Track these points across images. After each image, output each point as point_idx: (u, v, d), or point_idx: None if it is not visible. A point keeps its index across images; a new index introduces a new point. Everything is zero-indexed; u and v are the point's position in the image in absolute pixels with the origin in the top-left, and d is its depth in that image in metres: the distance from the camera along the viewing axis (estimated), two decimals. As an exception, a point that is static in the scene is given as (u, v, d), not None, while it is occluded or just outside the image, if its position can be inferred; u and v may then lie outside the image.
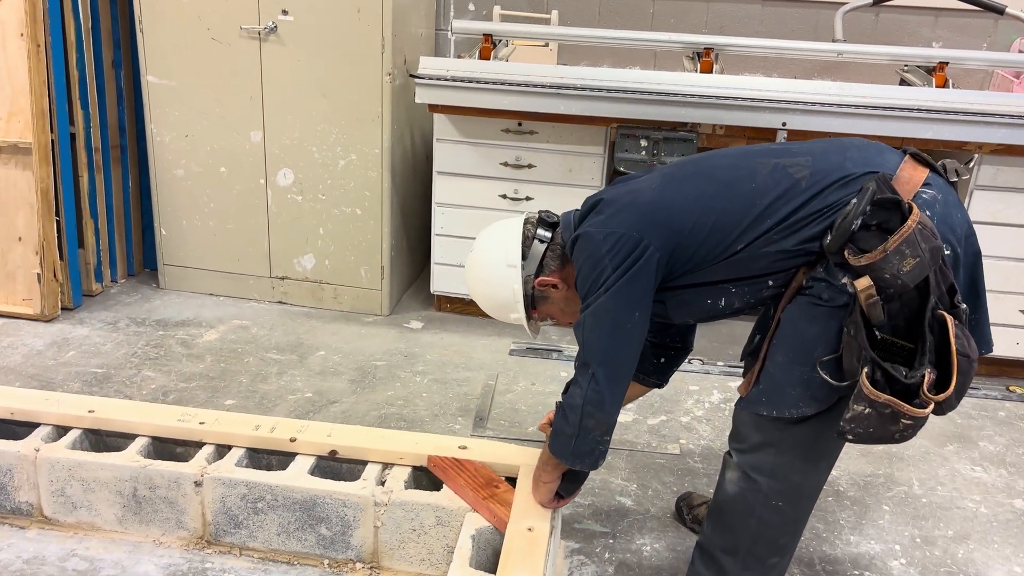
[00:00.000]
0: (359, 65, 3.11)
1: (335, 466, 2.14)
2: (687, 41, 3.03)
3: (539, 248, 1.86)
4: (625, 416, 2.79)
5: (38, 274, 3.18)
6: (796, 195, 1.63)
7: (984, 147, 2.77)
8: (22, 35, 3.02)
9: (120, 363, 2.97)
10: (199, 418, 2.17)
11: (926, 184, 1.63)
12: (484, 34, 3.05)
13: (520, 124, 3.10)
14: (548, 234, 1.88)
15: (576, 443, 1.75)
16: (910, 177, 1.63)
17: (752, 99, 2.78)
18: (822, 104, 2.75)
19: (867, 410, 1.52)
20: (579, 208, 1.86)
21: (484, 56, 3.04)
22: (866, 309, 1.53)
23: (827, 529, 2.29)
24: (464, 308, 3.49)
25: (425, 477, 2.11)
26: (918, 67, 3.07)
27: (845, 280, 1.57)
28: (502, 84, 2.91)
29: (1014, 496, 2.47)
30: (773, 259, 1.64)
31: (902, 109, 2.71)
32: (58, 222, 3.21)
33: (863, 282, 1.52)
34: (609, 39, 3.19)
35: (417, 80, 2.96)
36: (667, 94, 2.83)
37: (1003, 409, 2.95)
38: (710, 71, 2.93)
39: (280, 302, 3.51)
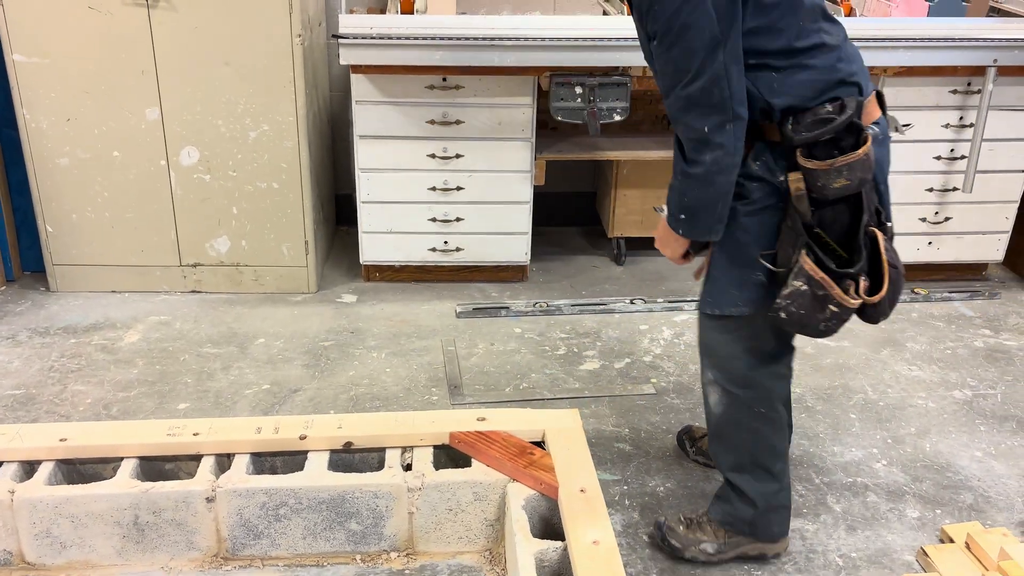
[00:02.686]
0: (265, 28, 2.88)
1: (347, 458, 2.04)
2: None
3: None
4: (592, 364, 2.84)
5: (-87, 293, 2.77)
6: (824, 56, 1.72)
7: (888, 70, 2.97)
8: None
9: (39, 381, 2.66)
10: (191, 429, 1.99)
11: (876, 122, 1.80)
12: (405, -13, 2.90)
13: (445, 79, 2.99)
14: None
15: (706, 215, 1.78)
16: (871, 112, 1.79)
17: (681, 39, 2.82)
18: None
19: (804, 287, 1.70)
20: None
21: (406, 9, 2.90)
22: (794, 200, 1.72)
23: (811, 444, 2.45)
24: (395, 275, 3.38)
25: (444, 455, 2.05)
26: (818, -2, 3.23)
27: (783, 177, 1.73)
28: (430, 39, 2.79)
29: (951, 388, 2.74)
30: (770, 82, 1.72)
31: (820, 40, 2.85)
32: (-73, 231, 2.80)
33: (795, 175, 1.71)
34: None
35: (341, 40, 2.78)
36: (599, 39, 2.82)
37: (914, 311, 3.24)
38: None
39: (195, 291, 3.25)
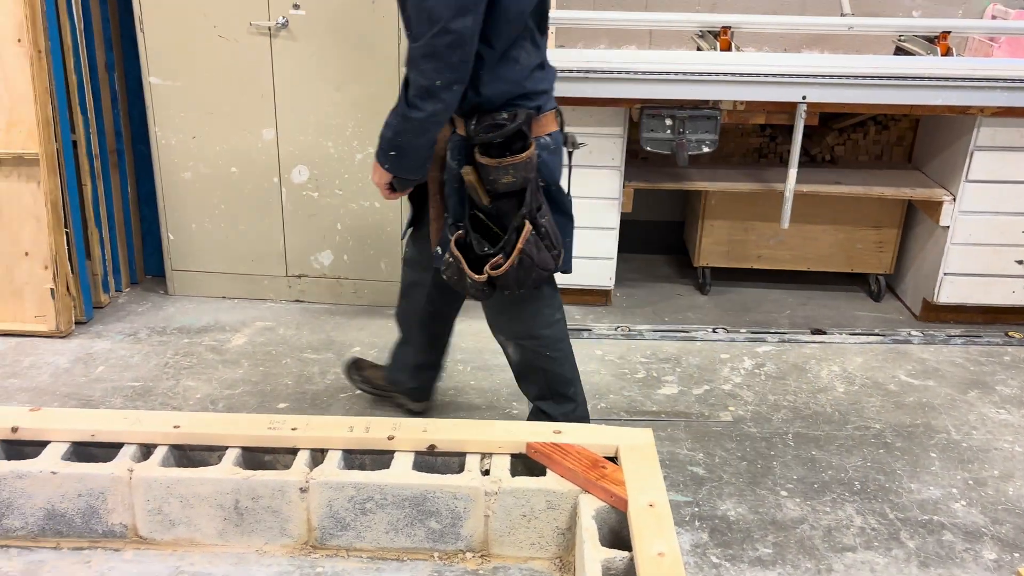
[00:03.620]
0: (374, 57, 3.09)
1: (430, 460, 2.16)
2: (704, 21, 3.11)
3: None
4: (670, 389, 2.90)
5: (51, 289, 3.06)
6: (516, 71, 2.01)
7: (986, 110, 2.95)
8: (20, 41, 2.88)
9: (155, 375, 2.90)
10: (290, 424, 2.16)
11: (549, 134, 2.11)
12: (505, 21, 3.06)
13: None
14: None
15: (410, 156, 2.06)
16: (545, 125, 2.10)
17: (773, 75, 2.89)
18: (840, 76, 2.87)
19: (451, 258, 2.09)
20: None
21: (507, 43, 3.05)
22: (468, 189, 2.02)
23: (888, 480, 2.45)
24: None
25: (520, 463, 2.16)
26: (916, 36, 3.24)
27: (460, 169, 2.03)
28: (528, 71, 2.93)
29: (1041, 433, 2.69)
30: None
31: (914, 78, 2.86)
32: (67, 234, 3.09)
33: (469, 170, 2.00)
34: (638, 22, 3.27)
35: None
36: (690, 73, 2.91)
37: (1007, 354, 3.17)
38: (728, 49, 3.02)
39: (297, 300, 3.46)
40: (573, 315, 3.41)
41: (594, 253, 3.36)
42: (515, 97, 2.02)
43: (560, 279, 3.45)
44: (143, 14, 3.07)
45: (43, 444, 2.13)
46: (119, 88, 3.35)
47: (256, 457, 2.17)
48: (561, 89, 2.96)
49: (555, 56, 3.00)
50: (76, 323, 3.19)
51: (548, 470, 2.09)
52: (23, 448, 2.15)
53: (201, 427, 2.15)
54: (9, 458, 2.11)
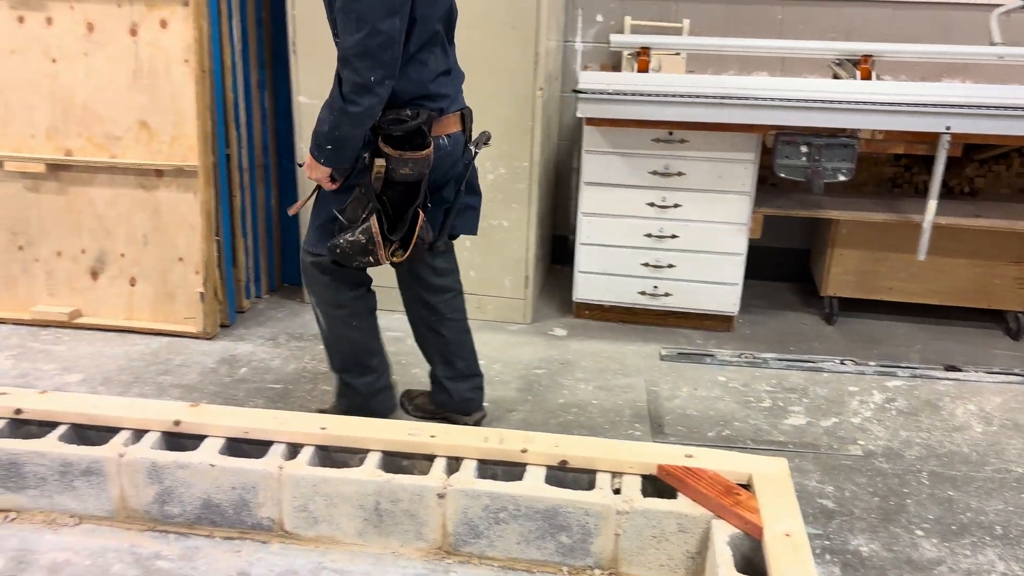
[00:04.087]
0: (512, 81, 3.18)
1: (561, 475, 2.21)
2: (844, 49, 3.08)
3: None
4: (797, 419, 2.86)
5: (201, 293, 3.26)
6: (422, 73, 2.20)
7: None
8: (187, 61, 3.10)
9: (294, 379, 3.05)
10: (428, 432, 2.24)
11: (449, 135, 2.30)
12: (642, 47, 3.11)
13: (671, 133, 3.16)
14: None
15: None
16: (447, 126, 2.29)
17: (915, 104, 2.83)
18: (988, 107, 2.79)
19: (362, 239, 2.23)
20: None
21: (642, 68, 3.11)
22: (373, 180, 2.20)
23: None
24: (603, 315, 3.56)
25: (650, 485, 2.18)
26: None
27: (366, 156, 2.20)
28: (663, 96, 2.97)
29: None
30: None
31: (1069, 110, 2.76)
32: (217, 242, 3.30)
33: (380, 161, 2.18)
34: (778, 49, 3.27)
35: (580, 95, 3.02)
36: (829, 101, 2.88)
37: None
38: (869, 77, 2.98)
39: (423, 313, 3.58)
40: (695, 340, 3.41)
41: (718, 278, 3.35)
42: (419, 97, 2.22)
43: (681, 302, 3.47)
44: (296, 37, 3.26)
45: (200, 438, 2.28)
46: (268, 106, 3.56)
47: (394, 461, 2.26)
48: (695, 114, 3.00)
49: (688, 82, 3.03)
50: (221, 326, 3.39)
51: (679, 493, 2.11)
52: (182, 440, 2.30)
53: (345, 430, 2.26)
54: (170, 449, 2.27)
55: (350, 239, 2.24)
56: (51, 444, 2.23)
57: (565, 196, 4.03)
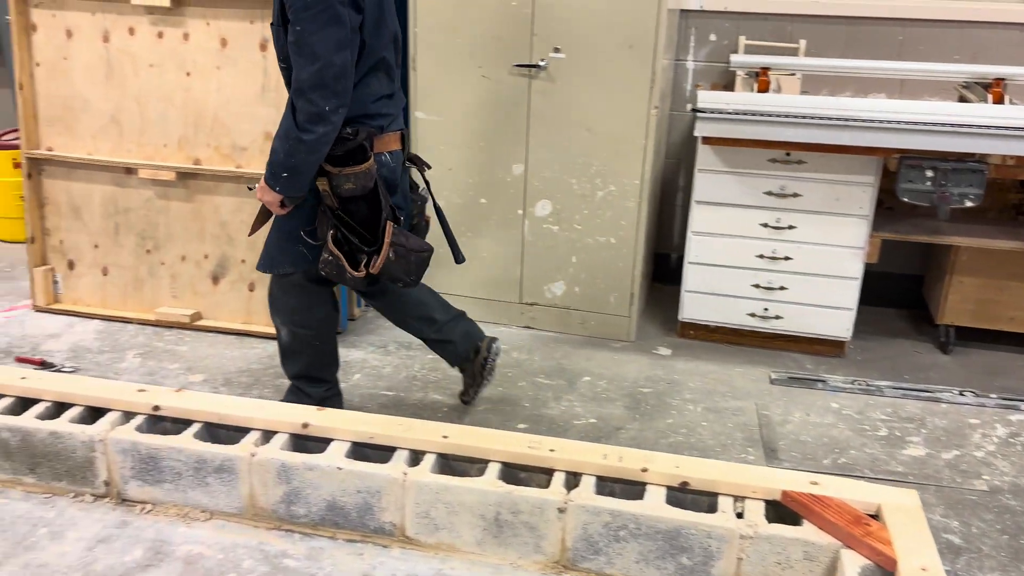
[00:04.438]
0: (626, 99, 3.20)
1: (680, 496, 2.20)
2: (974, 72, 3.00)
3: None
4: (916, 450, 2.78)
5: (317, 300, 3.36)
6: (365, 94, 2.35)
7: None
8: (313, 77, 3.22)
9: (406, 386, 3.12)
10: (547, 445, 2.27)
11: (391, 152, 2.44)
12: (762, 68, 3.09)
13: (788, 154, 3.12)
14: None
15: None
16: (388, 142, 2.44)
17: (1053, 129, 2.74)
18: None
19: (330, 257, 2.38)
20: None
21: (762, 89, 3.09)
22: (322, 195, 2.34)
23: None
24: (709, 335, 3.53)
25: (772, 511, 2.15)
26: None
27: (317, 179, 2.34)
28: (783, 116, 2.94)
29: None
30: None
31: None
32: (333, 251, 3.40)
33: (322, 181, 2.33)
34: (907, 71, 3.21)
35: (699, 114, 3.02)
36: (957, 125, 2.81)
37: None
38: (1001, 101, 2.89)
39: (527, 327, 3.61)
40: (804, 364, 3.35)
41: (830, 302, 3.29)
42: (360, 117, 2.35)
43: (791, 325, 3.41)
44: (417, 55, 3.35)
45: (327, 441, 2.35)
46: (384, 120, 3.65)
47: (513, 473, 2.29)
48: (816, 135, 2.97)
49: (809, 103, 3.00)
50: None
51: (805, 520, 2.07)
52: (308, 443, 2.38)
53: (467, 439, 2.30)
54: (297, 450, 2.34)
55: (324, 259, 2.40)
56: (187, 441, 2.33)
57: (668, 214, 4.02)
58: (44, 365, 3.15)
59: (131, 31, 3.33)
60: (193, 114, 3.36)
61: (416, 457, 2.31)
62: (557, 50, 3.20)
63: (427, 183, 2.72)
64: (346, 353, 3.35)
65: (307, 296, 2.59)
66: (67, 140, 3.50)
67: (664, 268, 4.07)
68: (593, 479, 2.21)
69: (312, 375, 2.74)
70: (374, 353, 3.36)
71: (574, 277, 3.49)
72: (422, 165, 2.65)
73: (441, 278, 3.61)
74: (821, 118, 2.92)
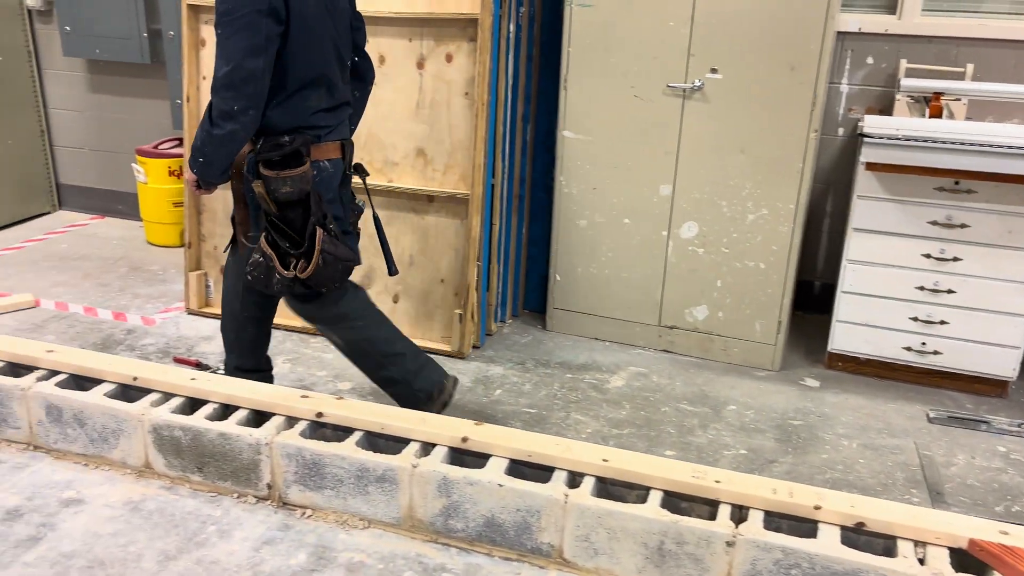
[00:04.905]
0: (784, 122, 3.12)
1: (853, 537, 2.10)
2: None
3: None
4: (1100, 502, 2.59)
5: (460, 314, 3.40)
6: (303, 105, 2.46)
7: None
8: (467, 94, 3.27)
9: (546, 404, 3.10)
10: (712, 476, 2.21)
11: (329, 160, 2.55)
12: (935, 92, 2.97)
13: (957, 183, 2.98)
14: None
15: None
16: (327, 151, 2.54)
17: None
18: None
19: (260, 258, 2.48)
20: None
21: (934, 114, 2.96)
22: (259, 199, 2.43)
23: None
24: (859, 368, 3.39)
25: (955, 559, 2.03)
26: None
27: (253, 181, 2.44)
28: (955, 143, 2.81)
29: None
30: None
31: None
32: (477, 266, 3.43)
33: (259, 184, 2.42)
34: None
35: (866, 139, 2.92)
36: None
37: None
38: None
39: (666, 351, 3.55)
40: (963, 403, 3.18)
41: (996, 339, 3.11)
42: (299, 127, 2.47)
43: (951, 361, 3.23)
44: (568, 74, 3.35)
45: (485, 456, 2.35)
46: (529, 139, 3.67)
47: (674, 502, 2.24)
48: (992, 164, 2.83)
49: (985, 130, 2.85)
50: (472, 347, 3.51)
51: (994, 572, 1.95)
52: (465, 457, 2.39)
53: (628, 464, 2.26)
54: (455, 463, 2.35)
55: (254, 261, 2.50)
56: (351, 449, 2.38)
57: (813, 240, 3.90)
58: (200, 366, 3.28)
59: (294, 48, 3.46)
60: (348, 129, 3.45)
61: (574, 479, 2.29)
62: (714, 71, 3.15)
63: (368, 192, 2.87)
64: (485, 368, 3.36)
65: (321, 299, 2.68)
66: (227, 151, 3.65)
67: (806, 295, 3.94)
68: (761, 513, 2.14)
69: (389, 356, 2.73)
70: (513, 369, 3.37)
71: (718, 302, 3.42)
72: (363, 174, 2.73)
73: (577, 298, 3.60)
74: (998, 146, 2.77)
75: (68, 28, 4.58)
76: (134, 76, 4.76)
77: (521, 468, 2.34)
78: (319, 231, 2.46)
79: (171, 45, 4.33)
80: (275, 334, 3.61)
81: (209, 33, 3.56)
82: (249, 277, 2.52)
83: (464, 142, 3.31)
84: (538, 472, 2.33)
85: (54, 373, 2.71)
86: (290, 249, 2.46)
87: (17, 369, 2.77)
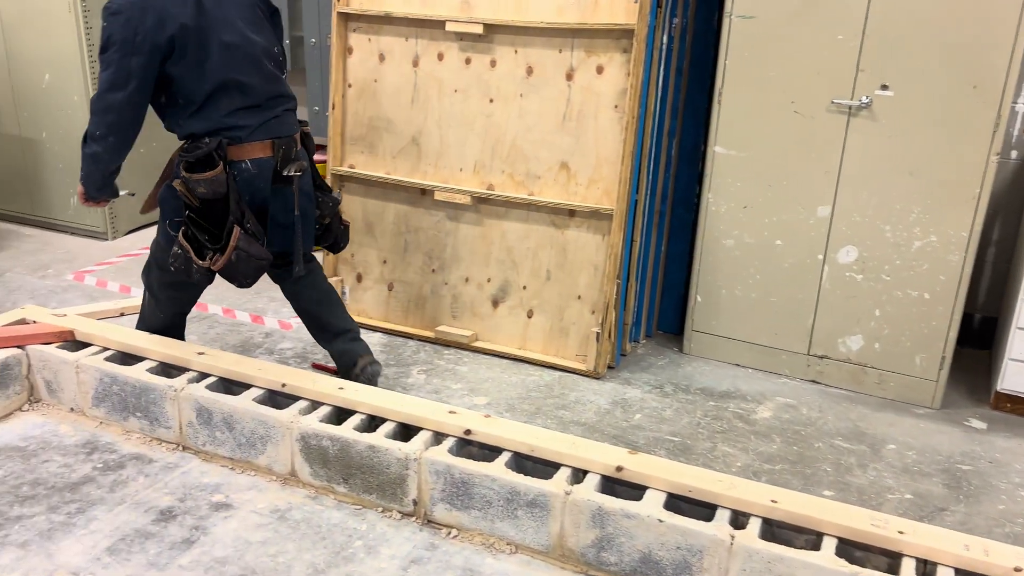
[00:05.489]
0: (963, 143, 2.90)
1: (1058, 606, 1.89)
2: None
3: None
4: None
5: (597, 333, 3.29)
6: (216, 112, 2.68)
7: None
8: (616, 107, 3.17)
9: (690, 433, 2.97)
10: (895, 526, 2.03)
11: (253, 160, 2.71)
12: None
13: None
14: None
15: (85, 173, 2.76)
16: (251, 151, 2.70)
17: None
18: None
19: (178, 250, 2.64)
20: None
21: None
22: (182, 196, 2.62)
23: None
24: (1030, 410, 3.12)
25: None
26: None
27: (175, 180, 2.66)
28: None
29: None
30: (175, 111, 2.73)
31: None
32: (616, 284, 3.32)
33: (179, 183, 2.61)
34: None
35: (1061, 164, 2.68)
36: None
37: None
38: None
39: (814, 381, 3.36)
40: None
41: None
42: (215, 130, 2.66)
43: None
44: (724, 88, 3.21)
45: (641, 488, 2.24)
46: (674, 154, 3.55)
47: (847, 550, 2.07)
48: None
49: None
50: (607, 367, 3.40)
51: None
52: (615, 486, 2.28)
53: (799, 507, 2.11)
54: (607, 493, 2.25)
55: (175, 252, 2.67)
56: (502, 471, 2.30)
57: (976, 270, 3.62)
58: (337, 374, 3.28)
59: (440, 56, 3.44)
60: (492, 140, 3.41)
61: (738, 518, 2.15)
62: (884, 87, 2.96)
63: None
64: (622, 391, 3.25)
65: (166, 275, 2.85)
66: (368, 159, 3.66)
67: (965, 329, 3.67)
68: (951, 571, 1.96)
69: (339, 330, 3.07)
70: (651, 393, 3.24)
71: (875, 332, 3.20)
72: (299, 170, 2.79)
73: (718, 321, 3.45)
74: None
75: (215, 35, 4.70)
76: (274, 83, 4.86)
77: (678, 503, 2.22)
78: (236, 229, 2.62)
79: (312, 52, 4.40)
80: (407, 343, 3.60)
81: (356, 41, 3.59)
82: (172, 268, 2.70)
83: (610, 156, 3.21)
84: (695, 508, 2.21)
85: (204, 375, 2.75)
86: (208, 243, 2.65)
87: (168, 370, 2.82)
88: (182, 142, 2.74)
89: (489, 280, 3.52)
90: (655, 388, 3.29)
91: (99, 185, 2.75)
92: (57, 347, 2.90)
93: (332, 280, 3.77)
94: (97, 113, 2.63)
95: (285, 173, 2.78)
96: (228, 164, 2.66)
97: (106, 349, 2.89)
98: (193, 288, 2.95)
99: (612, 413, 3.08)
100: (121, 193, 2.96)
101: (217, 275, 2.71)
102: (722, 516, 2.14)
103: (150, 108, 2.71)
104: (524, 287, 3.46)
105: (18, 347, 2.89)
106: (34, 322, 3.00)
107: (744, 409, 3.14)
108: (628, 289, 3.44)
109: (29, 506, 2.39)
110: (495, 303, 3.53)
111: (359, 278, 3.78)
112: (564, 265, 3.38)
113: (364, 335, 3.64)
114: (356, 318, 3.76)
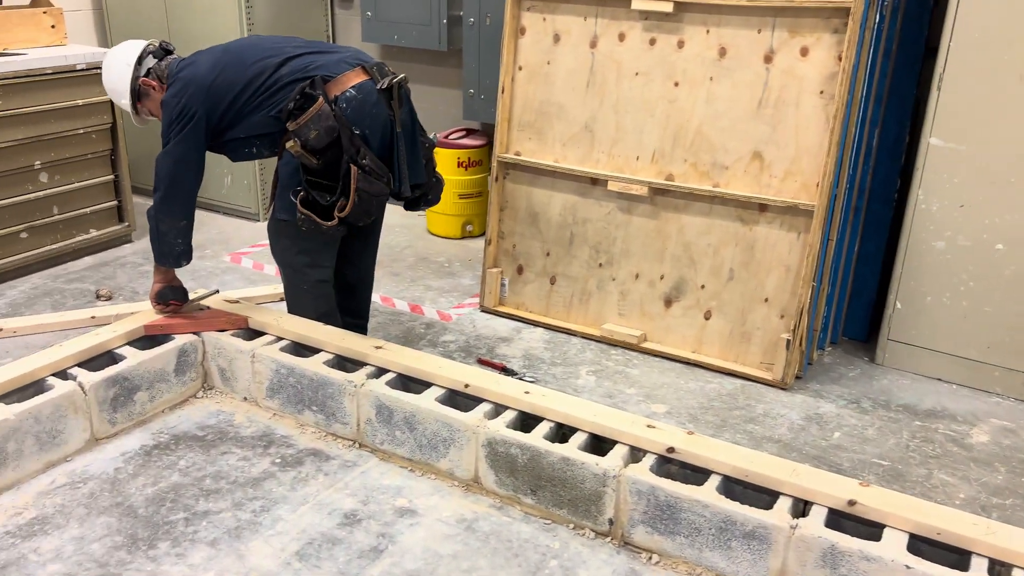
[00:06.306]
0: None
1: None
2: None
3: (151, 61, 2.80)
4: None
5: (787, 340, 3.02)
6: (280, 78, 2.68)
7: None
8: (822, 93, 2.88)
9: (900, 457, 2.67)
10: None
11: (355, 86, 2.64)
12: None
13: None
14: (161, 58, 2.82)
15: (158, 245, 2.78)
16: (346, 80, 2.65)
17: None
18: None
19: (303, 216, 2.67)
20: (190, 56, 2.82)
21: None
22: (297, 158, 2.62)
23: None
24: None
25: None
26: None
27: (286, 143, 2.62)
28: None
29: None
30: (267, 123, 2.70)
31: None
32: (811, 287, 3.04)
33: (291, 143, 2.58)
34: None
35: None
36: None
37: None
38: None
39: (1031, 403, 3.00)
40: None
41: None
42: (301, 81, 2.62)
43: None
44: (946, 72, 2.87)
45: (878, 526, 1.99)
46: (874, 145, 3.23)
47: None
48: None
49: None
50: (795, 377, 3.13)
51: None
52: (843, 521, 2.04)
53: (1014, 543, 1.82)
54: (833, 528, 2.01)
55: (301, 216, 2.65)
56: (714, 496, 2.09)
57: None
58: (505, 371, 3.13)
59: (621, 37, 3.22)
60: (674, 127, 3.17)
61: (995, 567, 1.88)
62: None
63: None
64: (814, 404, 2.97)
65: (298, 242, 2.79)
66: (536, 146, 3.48)
67: None
68: None
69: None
70: (846, 408, 2.96)
71: (1111, 352, 2.82)
72: (400, 87, 2.68)
73: (920, 330, 3.11)
74: None
75: (369, 14, 4.62)
76: (428, 64, 4.75)
77: (919, 544, 1.96)
78: (353, 169, 2.56)
79: (471, 32, 4.25)
80: (571, 340, 3.42)
81: (530, 21, 3.40)
82: (303, 228, 2.67)
83: (811, 147, 2.93)
84: (939, 551, 1.94)
85: (382, 371, 2.63)
86: (329, 199, 2.61)
87: (343, 362, 2.72)
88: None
89: (662, 277, 3.30)
90: (851, 403, 3.00)
91: (170, 252, 2.81)
92: (231, 335, 2.85)
93: (491, 271, 3.63)
94: (160, 205, 2.76)
95: (383, 87, 2.66)
96: (331, 102, 2.59)
97: (280, 339, 2.82)
98: (330, 246, 2.87)
99: (807, 430, 2.82)
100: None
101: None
102: (979, 566, 1.87)
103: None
104: (702, 286, 3.22)
105: (194, 333, 2.86)
106: (208, 308, 2.96)
107: (956, 432, 2.82)
108: (820, 292, 3.15)
109: (215, 500, 2.33)
110: (668, 302, 3.30)
111: (519, 270, 3.62)
112: (750, 264, 3.12)
113: (526, 330, 3.50)
114: (515, 312, 3.62)
